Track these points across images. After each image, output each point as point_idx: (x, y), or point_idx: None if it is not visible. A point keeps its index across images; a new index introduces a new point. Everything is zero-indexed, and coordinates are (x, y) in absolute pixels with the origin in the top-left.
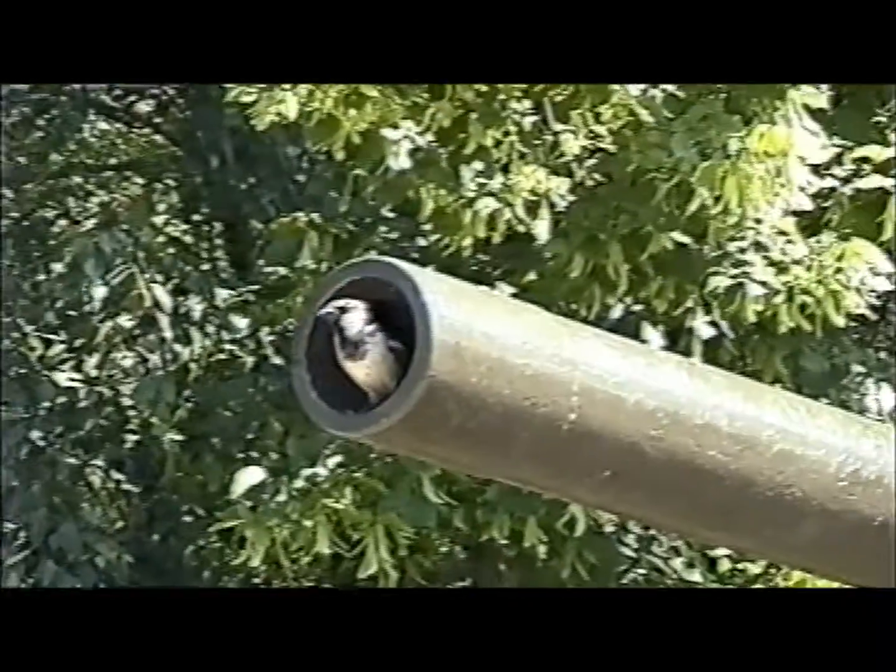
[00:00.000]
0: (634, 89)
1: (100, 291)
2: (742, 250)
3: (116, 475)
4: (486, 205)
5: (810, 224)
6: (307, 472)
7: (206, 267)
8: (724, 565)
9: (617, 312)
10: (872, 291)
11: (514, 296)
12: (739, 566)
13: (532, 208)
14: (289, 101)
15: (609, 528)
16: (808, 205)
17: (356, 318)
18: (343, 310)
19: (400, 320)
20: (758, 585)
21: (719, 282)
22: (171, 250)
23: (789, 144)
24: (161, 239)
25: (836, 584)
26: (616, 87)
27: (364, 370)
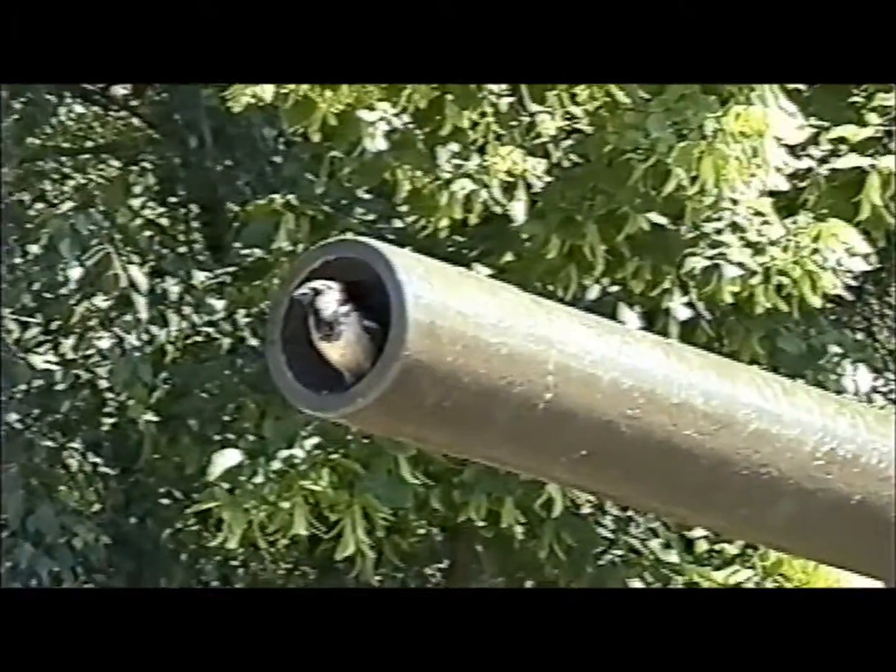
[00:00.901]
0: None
1: (76, 273)
2: (718, 231)
3: (93, 457)
4: (463, 186)
5: (787, 204)
6: (284, 453)
7: (182, 249)
8: (702, 546)
9: (593, 293)
10: (849, 272)
11: (491, 277)
12: (716, 547)
13: (508, 189)
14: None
15: (586, 509)
16: (784, 185)
17: (331, 299)
18: (317, 291)
19: (375, 300)
20: (735, 567)
21: (696, 263)
22: (148, 232)
23: (765, 125)
24: (137, 221)
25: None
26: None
27: (339, 351)
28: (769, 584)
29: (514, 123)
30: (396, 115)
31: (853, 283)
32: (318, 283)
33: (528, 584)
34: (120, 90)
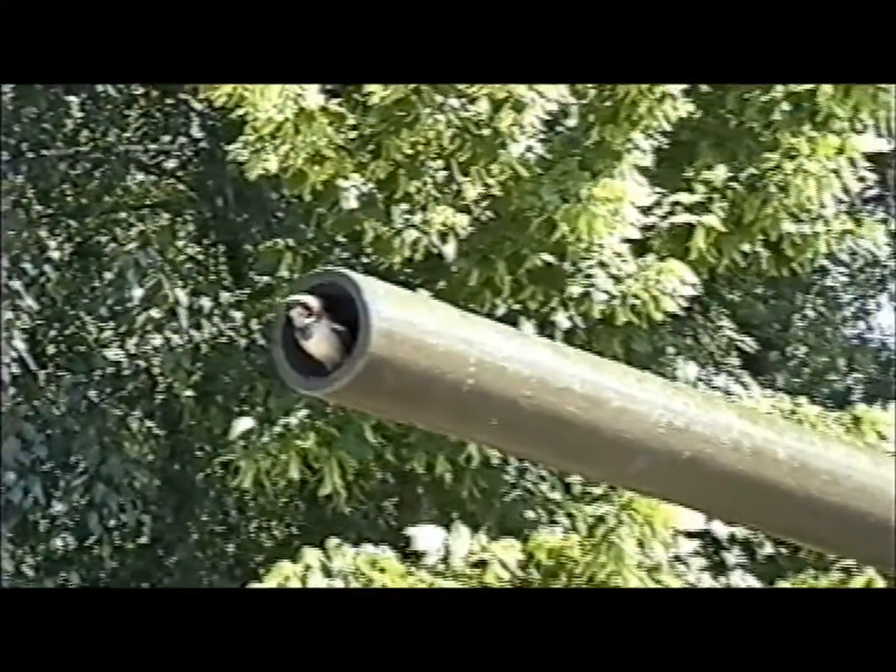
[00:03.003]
0: (515, 152)
1: (137, 293)
2: (590, 267)
3: (149, 422)
4: (410, 234)
5: (638, 248)
6: (283, 420)
7: (212, 276)
8: (577, 488)
9: (502, 310)
10: (681, 296)
11: (430, 298)
12: (587, 489)
13: (443, 236)
14: (271, 160)
15: (495, 462)
16: (637, 235)
17: (299, 311)
18: (290, 306)
19: (349, 313)
20: (600, 503)
21: (574, 289)
22: (188, 265)
23: (624, 192)
24: (181, 257)
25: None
26: (502, 150)
27: (314, 347)
28: (624, 516)
29: (447, 190)
30: (364, 183)
31: (684, 304)
32: (292, 299)
33: (454, 515)
34: (170, 164)
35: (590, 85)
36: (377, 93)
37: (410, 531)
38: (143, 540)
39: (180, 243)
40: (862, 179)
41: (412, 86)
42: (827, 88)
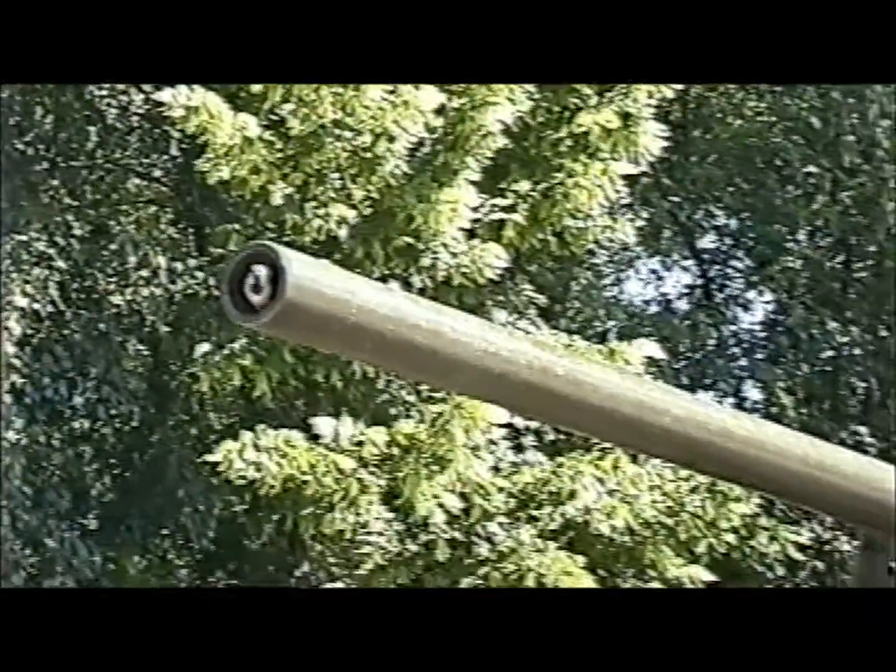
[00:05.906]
0: (388, 169)
1: (133, 259)
2: (436, 246)
3: (139, 346)
4: (317, 223)
5: (469, 234)
6: (229, 346)
7: (184, 249)
8: (425, 394)
9: (376, 274)
10: (497, 268)
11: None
12: (431, 394)
13: (339, 224)
14: (225, 171)
15: (371, 375)
16: (468, 225)
17: (263, 275)
18: (257, 277)
19: (273, 272)
20: (441, 402)
21: (425, 261)
22: (167, 241)
23: (460, 197)
24: (163, 235)
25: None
26: (379, 167)
27: (258, 298)
28: (455, 413)
29: (341, 193)
30: (286, 188)
31: (499, 272)
32: (258, 267)
33: (343, 410)
34: (157, 172)
35: (440, 123)
36: (296, 127)
37: (313, 421)
38: (135, 424)
39: (162, 226)
40: (618, 192)
41: (319, 122)
42: (596, 129)
